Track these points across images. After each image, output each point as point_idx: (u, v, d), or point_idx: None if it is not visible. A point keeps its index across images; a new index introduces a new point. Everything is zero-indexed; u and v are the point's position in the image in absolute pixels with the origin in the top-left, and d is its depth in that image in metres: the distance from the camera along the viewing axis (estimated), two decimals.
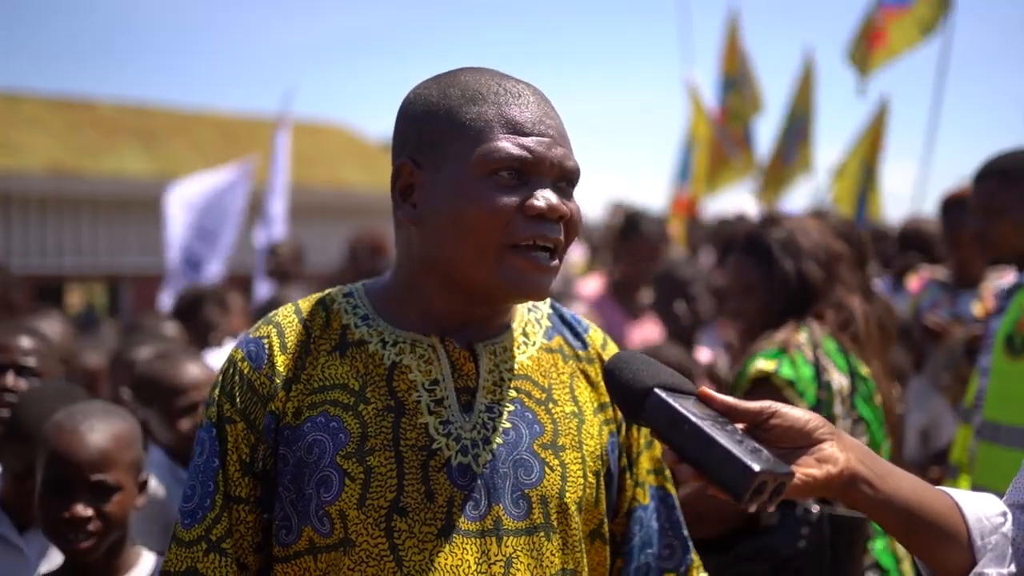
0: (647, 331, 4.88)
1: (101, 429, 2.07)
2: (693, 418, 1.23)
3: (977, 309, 4.22)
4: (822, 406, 2.51)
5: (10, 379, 2.61)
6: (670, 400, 1.26)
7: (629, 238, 5.14)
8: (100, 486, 2.02)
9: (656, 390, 1.27)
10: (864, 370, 2.64)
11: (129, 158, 14.26)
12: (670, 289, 4.61)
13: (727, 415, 1.30)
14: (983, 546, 1.36)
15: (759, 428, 1.31)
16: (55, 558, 2.26)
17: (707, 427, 1.22)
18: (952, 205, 4.43)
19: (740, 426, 1.30)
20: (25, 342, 2.74)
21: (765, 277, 2.70)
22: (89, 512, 2.00)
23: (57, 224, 13.24)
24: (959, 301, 4.32)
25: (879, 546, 2.61)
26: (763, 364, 2.52)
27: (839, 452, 1.31)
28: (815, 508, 2.38)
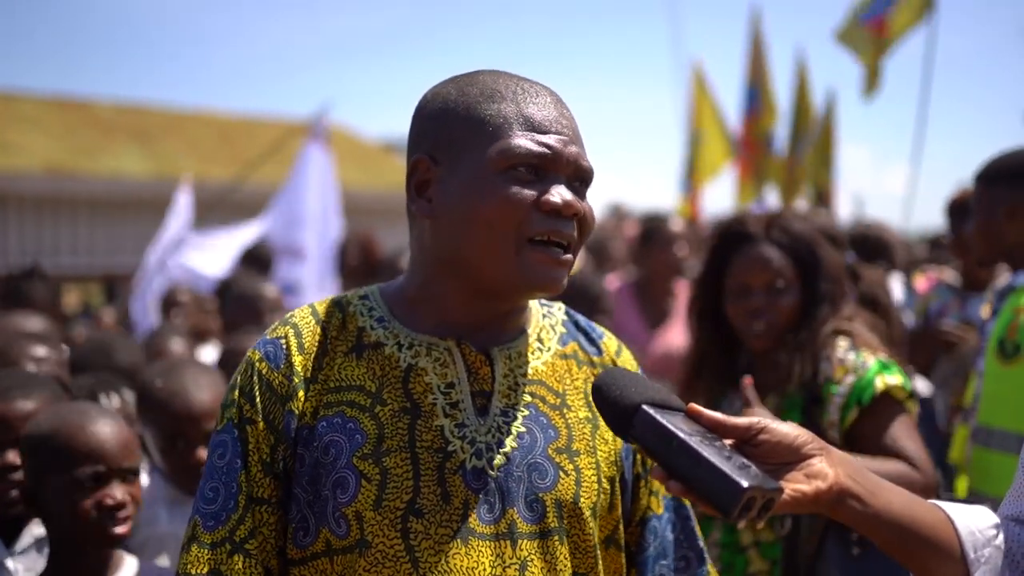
0: (673, 337, 4.85)
1: (112, 414, 2.12)
2: (681, 434, 1.23)
3: (986, 312, 4.22)
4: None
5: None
6: (658, 417, 1.26)
7: (652, 242, 5.08)
8: (130, 472, 2.07)
9: (644, 407, 1.27)
10: None
11: (126, 158, 14.25)
12: (585, 306, 4.44)
13: (715, 431, 1.30)
14: (976, 559, 1.36)
15: (748, 444, 1.30)
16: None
17: (695, 443, 1.22)
18: (958, 208, 4.43)
19: (729, 442, 1.30)
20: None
21: (805, 276, 2.53)
22: (127, 496, 2.05)
23: (54, 224, 13.22)
24: (968, 305, 4.30)
25: None
26: (892, 379, 2.40)
27: (828, 468, 1.31)
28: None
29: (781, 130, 11.11)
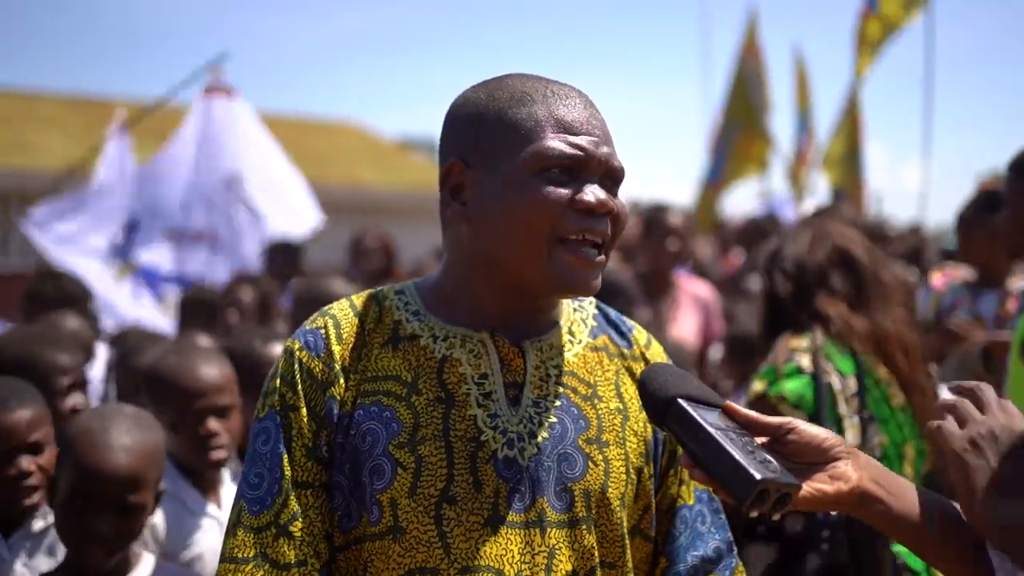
0: (680, 328, 4.85)
1: (134, 448, 2.06)
2: (708, 427, 1.31)
3: (1001, 309, 4.15)
4: (823, 409, 2.55)
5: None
6: (689, 409, 1.34)
7: (653, 233, 5.08)
8: (128, 506, 2.03)
9: (679, 400, 1.35)
10: (880, 372, 2.65)
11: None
12: (612, 300, 4.35)
13: (748, 428, 1.38)
14: (1000, 558, 1.34)
15: (778, 442, 1.37)
16: (40, 564, 2.26)
17: (719, 436, 1.30)
18: (967, 219, 4.36)
19: (761, 440, 1.37)
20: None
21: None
22: (112, 531, 2.01)
23: None
24: (980, 300, 4.25)
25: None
26: (756, 385, 2.62)
27: (852, 471, 1.36)
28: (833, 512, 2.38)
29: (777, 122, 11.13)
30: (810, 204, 10.18)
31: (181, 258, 6.01)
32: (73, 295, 4.60)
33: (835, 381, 2.58)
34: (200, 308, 4.97)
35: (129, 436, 2.07)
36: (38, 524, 2.30)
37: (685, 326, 4.95)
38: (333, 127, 18.57)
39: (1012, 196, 3.05)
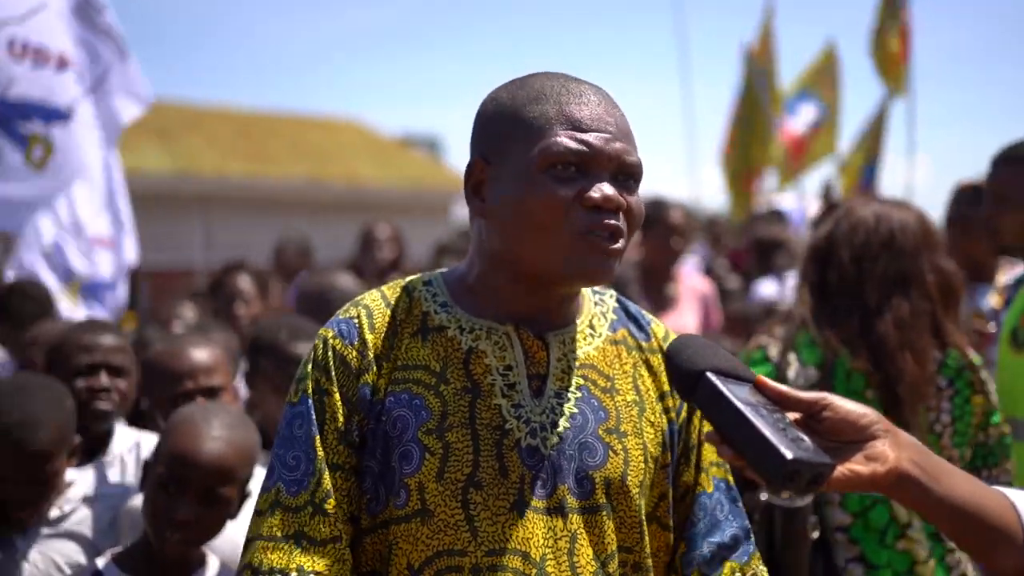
0: (680, 321, 4.89)
1: (229, 440, 2.11)
2: (737, 403, 1.27)
3: (995, 302, 4.17)
4: None
5: (103, 379, 2.68)
6: (719, 384, 1.30)
7: (655, 229, 5.10)
8: (215, 496, 2.08)
9: (708, 374, 1.32)
10: (854, 364, 2.54)
11: (147, 155, 14.35)
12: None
13: (780, 404, 1.33)
14: None
15: (813, 419, 1.33)
16: (52, 551, 2.32)
17: (749, 412, 1.26)
18: (964, 196, 4.38)
19: (794, 416, 1.33)
20: (109, 339, 2.78)
21: None
22: (195, 518, 2.06)
23: None
24: (976, 295, 4.26)
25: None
26: None
27: (890, 451, 1.31)
28: (762, 496, 2.35)
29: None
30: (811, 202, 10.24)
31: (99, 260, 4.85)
32: (39, 310, 4.18)
33: (793, 371, 2.56)
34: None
35: (227, 430, 2.12)
36: (53, 512, 2.38)
37: (686, 320, 4.98)
38: (333, 124, 18.59)
39: (1011, 187, 2.99)
